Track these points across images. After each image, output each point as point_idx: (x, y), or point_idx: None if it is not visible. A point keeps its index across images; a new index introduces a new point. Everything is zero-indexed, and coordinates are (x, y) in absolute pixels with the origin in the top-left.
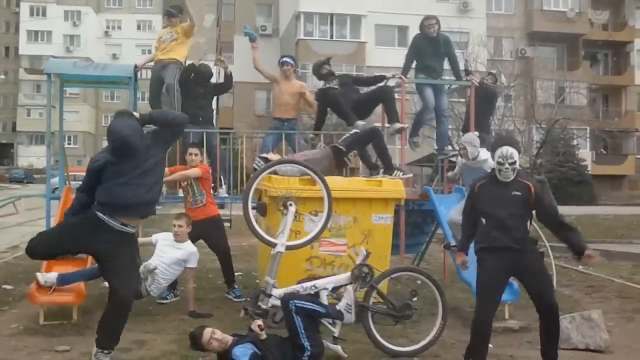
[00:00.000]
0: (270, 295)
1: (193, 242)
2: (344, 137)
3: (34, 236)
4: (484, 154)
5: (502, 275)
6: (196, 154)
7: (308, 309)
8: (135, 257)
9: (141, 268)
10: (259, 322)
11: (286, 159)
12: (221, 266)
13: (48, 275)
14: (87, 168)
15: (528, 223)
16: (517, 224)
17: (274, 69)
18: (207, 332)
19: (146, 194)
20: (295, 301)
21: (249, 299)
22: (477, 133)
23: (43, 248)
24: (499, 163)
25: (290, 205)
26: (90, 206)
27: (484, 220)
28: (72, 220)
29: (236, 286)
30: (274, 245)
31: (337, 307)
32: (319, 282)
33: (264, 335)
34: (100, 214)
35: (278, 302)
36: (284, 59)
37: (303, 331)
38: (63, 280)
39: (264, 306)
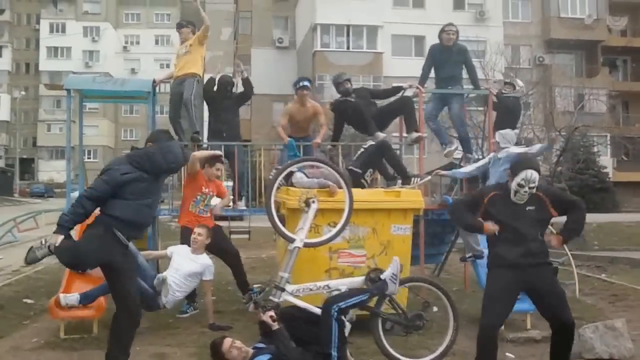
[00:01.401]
0: (283, 290)
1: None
2: (356, 157)
3: (65, 251)
4: (514, 150)
5: (514, 291)
6: (221, 171)
7: (354, 304)
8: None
9: (155, 280)
10: (271, 312)
11: (312, 157)
12: (233, 272)
13: (69, 297)
14: (112, 177)
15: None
16: (535, 235)
17: (291, 80)
18: (228, 340)
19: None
20: (340, 304)
21: (259, 291)
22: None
23: (90, 257)
24: (519, 185)
25: (313, 202)
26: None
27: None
28: (94, 232)
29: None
30: (292, 240)
31: (382, 277)
32: (332, 283)
33: (276, 326)
34: (115, 230)
35: (290, 298)
36: (304, 82)
37: (336, 340)
38: (85, 299)
39: (275, 300)
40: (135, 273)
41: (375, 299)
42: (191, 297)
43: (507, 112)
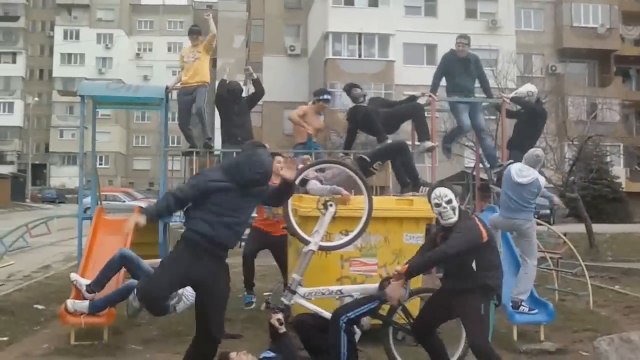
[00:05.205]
0: (294, 292)
1: (259, 250)
2: (372, 149)
3: (145, 283)
4: (533, 173)
5: (444, 309)
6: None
7: (363, 313)
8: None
9: None
10: (279, 315)
11: (332, 160)
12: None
13: (79, 303)
14: (198, 182)
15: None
16: (455, 269)
17: (303, 88)
18: (234, 352)
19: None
20: (349, 314)
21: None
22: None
23: (165, 292)
24: (436, 205)
25: (331, 205)
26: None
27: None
28: (172, 251)
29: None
30: (307, 242)
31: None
32: (345, 288)
33: (282, 329)
34: (200, 243)
35: (301, 300)
36: (327, 96)
37: (345, 351)
38: (93, 308)
39: (286, 302)
40: (227, 294)
41: (387, 307)
42: (250, 286)
43: (533, 118)
